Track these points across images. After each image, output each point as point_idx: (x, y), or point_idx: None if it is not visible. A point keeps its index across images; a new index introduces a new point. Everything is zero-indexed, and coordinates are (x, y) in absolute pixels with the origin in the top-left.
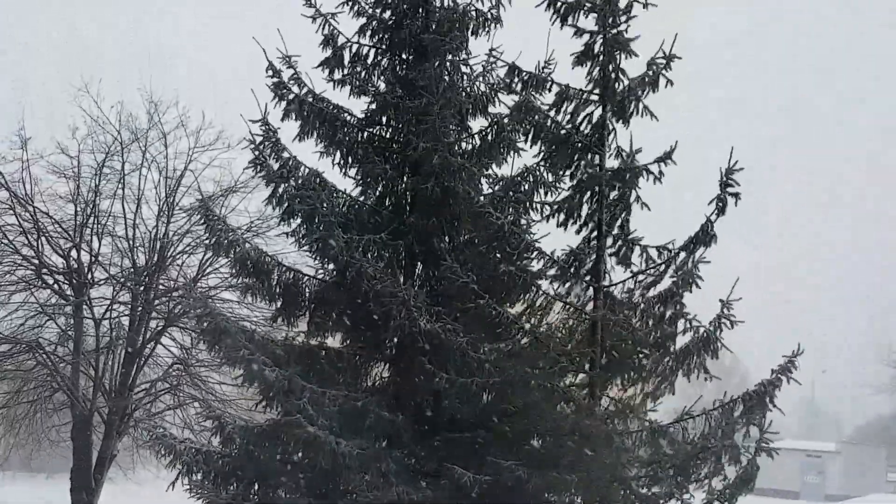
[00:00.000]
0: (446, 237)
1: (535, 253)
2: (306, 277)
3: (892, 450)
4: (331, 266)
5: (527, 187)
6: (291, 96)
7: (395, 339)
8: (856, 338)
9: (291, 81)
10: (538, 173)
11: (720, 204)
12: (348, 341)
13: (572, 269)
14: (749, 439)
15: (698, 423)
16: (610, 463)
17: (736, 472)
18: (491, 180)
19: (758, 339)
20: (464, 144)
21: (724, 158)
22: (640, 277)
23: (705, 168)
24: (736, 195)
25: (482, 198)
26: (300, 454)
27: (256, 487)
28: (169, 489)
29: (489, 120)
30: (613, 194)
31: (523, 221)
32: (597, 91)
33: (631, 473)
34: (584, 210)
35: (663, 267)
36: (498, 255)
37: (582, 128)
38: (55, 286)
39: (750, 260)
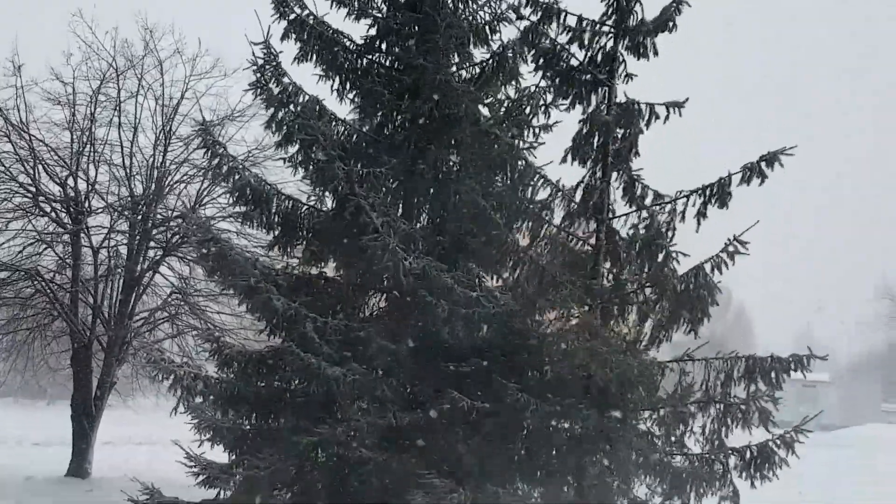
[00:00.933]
0: (448, 163)
1: (541, 180)
2: (305, 207)
3: (885, 381)
4: (329, 197)
5: (529, 110)
6: (293, 16)
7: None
8: (853, 274)
9: (293, 1)
10: (541, 98)
11: (748, 173)
12: (345, 271)
13: (578, 202)
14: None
15: (697, 367)
16: (611, 391)
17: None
18: (492, 107)
19: (754, 273)
20: (464, 73)
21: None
22: (645, 214)
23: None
24: (763, 176)
25: (483, 119)
26: (298, 381)
27: (255, 413)
28: (172, 414)
29: (491, 51)
30: (620, 131)
31: (524, 144)
32: (610, 22)
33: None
34: (592, 144)
35: (669, 206)
36: (501, 182)
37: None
38: (52, 214)
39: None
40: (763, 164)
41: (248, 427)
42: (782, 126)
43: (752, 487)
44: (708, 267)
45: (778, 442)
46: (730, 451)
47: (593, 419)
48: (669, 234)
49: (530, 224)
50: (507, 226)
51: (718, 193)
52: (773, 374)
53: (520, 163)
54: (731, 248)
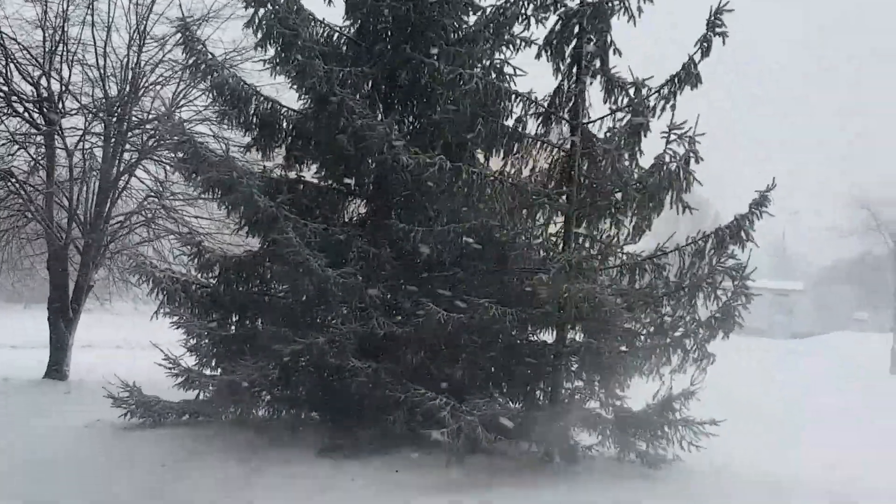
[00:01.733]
0: (427, 69)
1: (517, 100)
2: (284, 109)
3: (858, 289)
4: (308, 98)
5: (508, 16)
6: None
7: (374, 176)
8: (827, 182)
9: None
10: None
11: (705, 44)
12: (325, 175)
13: (553, 109)
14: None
15: (672, 260)
16: (586, 300)
17: (711, 313)
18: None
19: (730, 185)
20: None
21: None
22: (620, 115)
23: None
24: (723, 34)
25: (462, 31)
26: (280, 285)
27: (236, 318)
28: (154, 318)
29: None
30: (592, 30)
31: (501, 56)
32: None
33: (607, 306)
34: (564, 48)
35: (643, 104)
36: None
37: None
38: (25, 114)
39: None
40: (711, 33)
41: (229, 331)
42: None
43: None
44: (666, 158)
45: (735, 298)
46: (700, 323)
47: (568, 327)
48: (643, 133)
49: (505, 140)
50: (484, 147)
51: (686, 76)
52: (741, 234)
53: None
54: (672, 137)
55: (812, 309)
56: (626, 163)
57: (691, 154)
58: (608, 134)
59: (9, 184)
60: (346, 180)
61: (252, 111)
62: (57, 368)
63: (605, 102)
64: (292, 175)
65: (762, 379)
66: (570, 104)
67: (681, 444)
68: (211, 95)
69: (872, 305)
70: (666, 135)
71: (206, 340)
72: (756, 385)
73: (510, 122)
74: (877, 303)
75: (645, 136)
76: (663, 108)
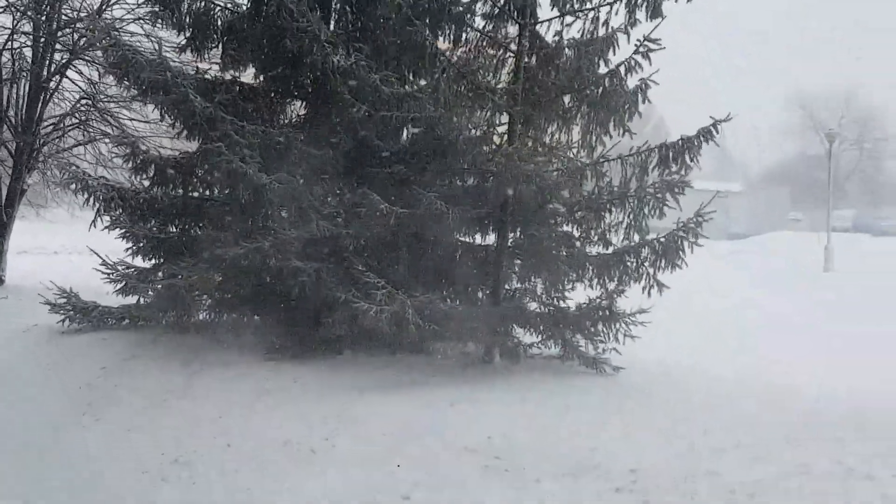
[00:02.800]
0: None
1: None
2: (218, 8)
3: (794, 190)
4: None
5: None
6: None
7: (312, 76)
8: (766, 83)
9: None
10: None
11: None
12: (262, 77)
13: (501, 4)
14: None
15: (614, 168)
16: (529, 200)
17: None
18: None
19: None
20: None
21: None
22: (569, 19)
23: None
24: None
25: None
26: (219, 189)
27: (174, 223)
28: (91, 227)
29: None
30: None
31: None
32: None
33: (551, 211)
34: None
35: (593, 13)
36: None
37: None
38: None
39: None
40: None
41: (168, 235)
42: None
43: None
44: (622, 70)
45: (682, 231)
46: (643, 242)
47: (511, 226)
48: (608, 44)
49: (452, 28)
50: (429, 31)
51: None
52: (686, 155)
53: None
54: (642, 49)
55: (749, 210)
56: (579, 70)
57: (640, 61)
58: (556, 38)
59: None
60: (285, 82)
61: (185, 10)
62: None
63: (551, 8)
64: (228, 77)
65: (703, 281)
66: (519, 3)
67: (616, 338)
68: None
69: (807, 206)
70: (637, 44)
71: (145, 245)
72: (698, 288)
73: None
74: (811, 203)
75: (611, 47)
76: (626, 26)
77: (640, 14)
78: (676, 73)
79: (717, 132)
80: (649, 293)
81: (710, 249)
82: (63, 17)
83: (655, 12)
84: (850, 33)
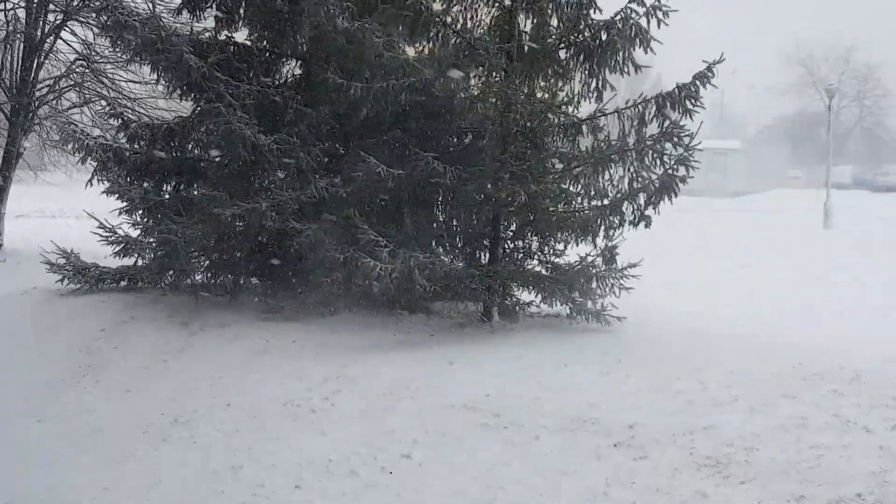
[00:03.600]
0: None
1: None
2: None
3: (793, 148)
4: None
5: None
6: None
7: (309, 37)
8: (764, 39)
9: None
10: None
11: None
12: (257, 37)
13: None
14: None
15: (611, 122)
16: (525, 157)
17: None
18: None
19: (669, 41)
20: None
21: None
22: None
23: None
24: None
25: None
26: (217, 150)
27: (171, 183)
28: (87, 186)
29: None
30: None
31: None
32: None
33: (547, 167)
34: None
35: None
36: None
37: None
38: None
39: None
40: None
41: (164, 197)
42: None
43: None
44: (619, 20)
45: (675, 167)
46: (638, 190)
47: (508, 183)
48: None
49: None
50: None
51: None
52: (685, 102)
53: None
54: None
55: (747, 168)
56: (575, 22)
57: (653, 11)
58: None
59: None
60: (280, 42)
61: None
62: None
63: None
64: (222, 37)
65: (702, 240)
66: None
67: (612, 292)
68: None
69: (807, 163)
70: None
71: (141, 206)
72: (697, 246)
73: None
74: (811, 160)
75: None
76: None
77: None
78: (671, 32)
79: (713, 74)
80: (636, 226)
81: (709, 206)
82: None
83: None
84: None
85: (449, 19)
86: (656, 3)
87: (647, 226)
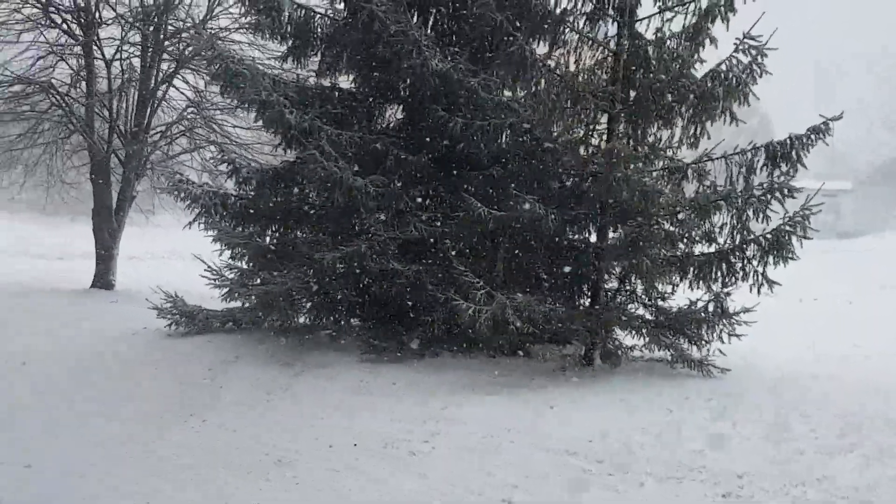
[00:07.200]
0: None
1: None
2: (318, 16)
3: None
4: (341, 5)
5: None
6: None
7: (408, 81)
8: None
9: None
10: None
11: None
12: (360, 82)
13: (601, 6)
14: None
15: (718, 167)
16: (629, 201)
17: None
18: None
19: (778, 81)
20: None
21: None
22: (669, 15)
23: None
24: None
25: None
26: (316, 194)
27: (274, 228)
28: (187, 228)
29: None
30: None
31: None
32: None
33: (651, 211)
34: None
35: (693, 4)
36: None
37: None
38: (63, 25)
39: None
40: None
41: (268, 241)
42: None
43: (773, 268)
44: (724, 68)
45: (789, 226)
46: (749, 240)
47: (611, 228)
48: (698, 36)
49: (549, 31)
50: (526, 35)
51: None
52: (794, 154)
53: None
54: (742, 47)
55: (858, 209)
56: (681, 66)
57: (756, 66)
58: (658, 34)
59: (50, 96)
60: (381, 87)
61: (286, 20)
62: (103, 278)
63: (655, 2)
64: (327, 83)
65: (809, 282)
66: (618, 1)
67: (721, 339)
68: (243, 6)
69: None
70: (737, 42)
71: (245, 251)
72: (804, 289)
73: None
74: None
75: (705, 41)
76: (722, 14)
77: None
78: (780, 68)
79: (829, 132)
80: (758, 291)
81: (819, 248)
82: (169, 27)
83: None
84: None
85: (552, 63)
86: (755, 59)
87: (770, 289)
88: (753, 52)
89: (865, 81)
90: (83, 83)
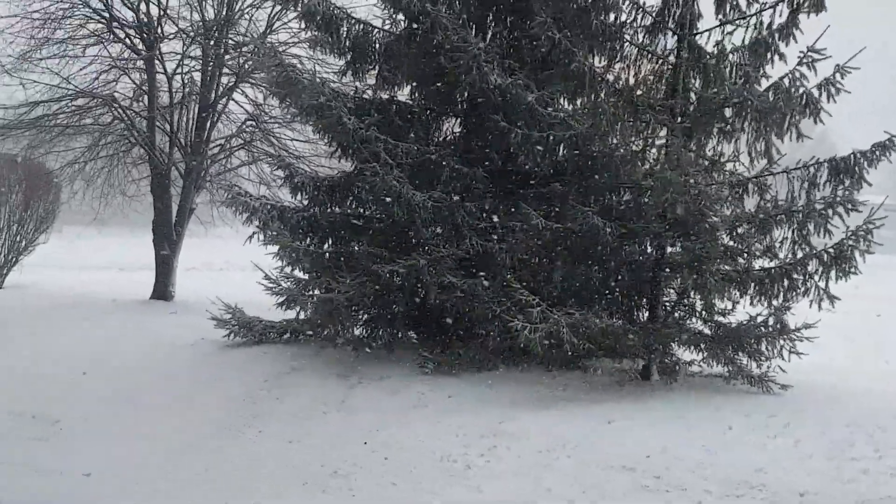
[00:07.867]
0: None
1: (627, 2)
2: (376, 30)
3: None
4: (401, 17)
5: None
6: None
7: (466, 94)
8: None
9: None
10: None
11: None
12: (417, 95)
13: (661, 18)
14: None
15: (780, 182)
16: (688, 215)
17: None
18: None
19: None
20: None
21: None
22: (730, 28)
23: None
24: None
25: None
26: (374, 208)
27: (331, 239)
28: (247, 243)
29: None
30: None
31: None
32: None
33: (711, 225)
34: None
35: (755, 19)
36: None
37: None
38: (126, 40)
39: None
40: None
41: (326, 251)
42: None
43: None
44: (786, 82)
45: (852, 239)
46: (811, 255)
47: (669, 242)
48: (766, 52)
49: (608, 45)
50: (584, 50)
51: None
52: (857, 169)
53: None
54: (806, 60)
55: None
56: (745, 80)
57: (831, 84)
58: (718, 47)
59: (113, 110)
60: (439, 100)
61: (344, 35)
62: (162, 289)
63: (716, 15)
64: (385, 96)
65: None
66: (679, 13)
67: (781, 355)
68: (302, 21)
69: None
70: (801, 56)
71: (305, 260)
72: (868, 305)
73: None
74: None
75: (769, 55)
76: (784, 31)
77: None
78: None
79: (895, 148)
80: (819, 306)
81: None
82: (230, 41)
83: (818, 5)
84: None
85: (611, 77)
86: (831, 77)
87: (832, 304)
88: (836, 73)
89: None
90: (145, 97)
